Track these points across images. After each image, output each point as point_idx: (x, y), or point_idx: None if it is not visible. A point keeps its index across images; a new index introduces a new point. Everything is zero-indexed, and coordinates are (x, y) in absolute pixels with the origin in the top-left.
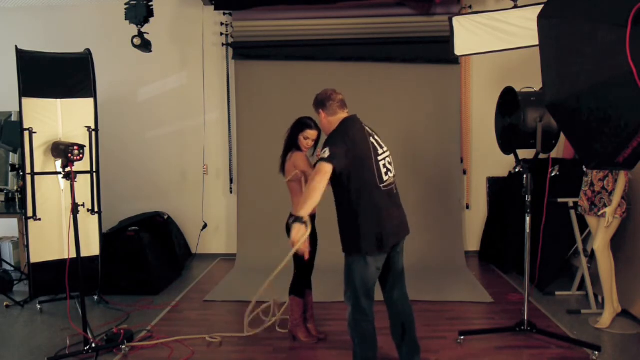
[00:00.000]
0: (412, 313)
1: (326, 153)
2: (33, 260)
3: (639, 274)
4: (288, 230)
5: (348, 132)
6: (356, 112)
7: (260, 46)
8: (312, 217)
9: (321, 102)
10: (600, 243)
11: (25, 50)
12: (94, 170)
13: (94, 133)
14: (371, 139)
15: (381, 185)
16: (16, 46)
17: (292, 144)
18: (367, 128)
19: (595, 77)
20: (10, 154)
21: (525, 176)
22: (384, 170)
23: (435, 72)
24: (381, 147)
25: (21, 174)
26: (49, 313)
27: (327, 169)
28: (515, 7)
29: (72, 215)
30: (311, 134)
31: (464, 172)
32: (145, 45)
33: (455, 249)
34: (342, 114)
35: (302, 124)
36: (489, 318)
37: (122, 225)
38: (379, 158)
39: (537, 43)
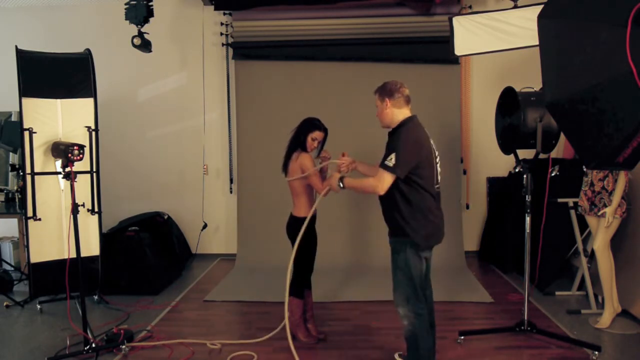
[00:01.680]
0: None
1: (392, 161)
2: (33, 260)
3: (639, 274)
4: (288, 230)
5: (414, 134)
6: (356, 112)
7: (260, 46)
8: (313, 218)
9: (390, 92)
10: (600, 243)
11: (25, 50)
12: (94, 170)
13: (94, 133)
14: (431, 140)
15: (436, 187)
16: (16, 46)
17: (297, 144)
18: (425, 130)
19: (595, 77)
20: (10, 154)
21: (525, 176)
22: (439, 172)
23: (435, 72)
24: (435, 150)
25: (21, 174)
26: (49, 313)
27: (389, 180)
28: (515, 7)
29: (72, 215)
30: (319, 135)
31: (464, 172)
32: (145, 45)
33: (455, 249)
34: (407, 110)
35: (311, 125)
36: (489, 318)
37: (122, 225)
38: (437, 160)
39: (537, 43)
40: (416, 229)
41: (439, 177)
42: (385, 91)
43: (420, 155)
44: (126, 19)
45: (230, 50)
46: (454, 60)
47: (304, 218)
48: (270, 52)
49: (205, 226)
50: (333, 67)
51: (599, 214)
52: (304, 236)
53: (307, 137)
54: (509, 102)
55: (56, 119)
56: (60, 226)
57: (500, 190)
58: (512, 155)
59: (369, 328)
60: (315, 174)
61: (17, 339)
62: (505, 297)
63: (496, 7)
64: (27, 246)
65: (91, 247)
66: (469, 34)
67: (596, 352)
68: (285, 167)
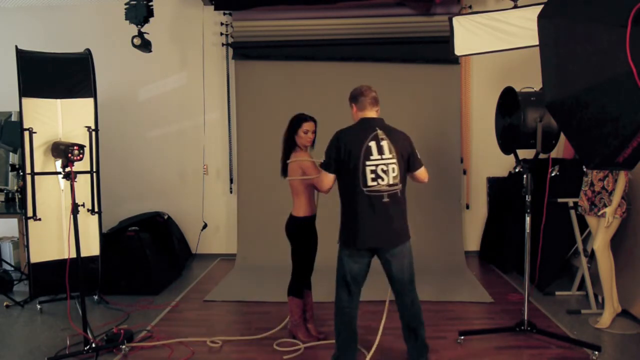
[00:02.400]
0: (417, 316)
1: (323, 158)
2: (33, 260)
3: (639, 274)
4: (288, 231)
5: (341, 135)
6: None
7: (260, 46)
8: (313, 217)
9: (354, 97)
10: (600, 243)
11: (25, 50)
12: (94, 170)
13: (94, 133)
14: (372, 142)
15: (364, 189)
16: (16, 46)
17: (292, 144)
18: (379, 131)
19: (595, 77)
20: (10, 154)
21: (525, 176)
22: (370, 176)
23: (435, 72)
24: (380, 153)
25: (21, 174)
26: (49, 313)
27: (326, 178)
28: (515, 7)
29: (72, 215)
30: (310, 125)
31: (464, 172)
32: (145, 45)
33: (455, 249)
34: (370, 112)
35: (298, 120)
36: (489, 318)
37: (122, 225)
38: (369, 163)
39: (537, 43)
40: (343, 230)
41: (382, 182)
42: (351, 97)
43: (338, 155)
44: (126, 19)
45: (230, 50)
46: (454, 60)
47: (303, 218)
48: (270, 52)
49: (205, 226)
50: (333, 67)
51: (599, 214)
52: (304, 236)
53: (298, 133)
54: (509, 102)
55: (56, 119)
56: (60, 226)
57: (500, 190)
58: (512, 155)
59: (368, 328)
60: (318, 177)
61: (17, 339)
62: (505, 297)
63: (496, 7)
64: (27, 246)
65: (91, 247)
66: (469, 34)
67: (596, 352)
68: (284, 169)
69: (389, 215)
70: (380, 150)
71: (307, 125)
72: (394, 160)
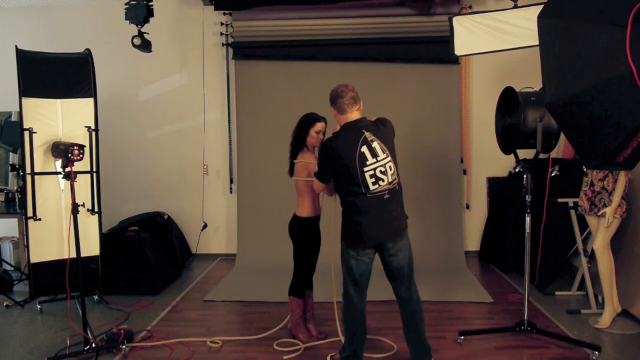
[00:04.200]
0: (417, 313)
1: (316, 168)
2: (33, 260)
3: (639, 274)
4: (290, 230)
5: (333, 146)
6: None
7: (260, 46)
8: (316, 218)
9: (332, 100)
10: (600, 243)
11: (25, 50)
12: (94, 170)
13: (94, 133)
14: (364, 147)
15: (367, 194)
16: (16, 46)
17: (302, 144)
18: (366, 134)
19: (595, 77)
20: (10, 154)
21: (525, 176)
22: (371, 181)
23: (435, 72)
24: (374, 156)
25: (21, 174)
26: (49, 313)
27: (319, 184)
28: (515, 7)
29: (72, 215)
30: (322, 126)
31: (464, 172)
32: (145, 45)
33: (455, 249)
34: (351, 114)
35: (311, 119)
36: (489, 318)
37: (122, 225)
38: (366, 169)
39: (537, 43)
40: (347, 231)
41: (383, 183)
42: (330, 100)
43: (333, 167)
44: (126, 19)
45: (230, 50)
46: (454, 60)
47: (307, 218)
48: (270, 52)
49: (205, 226)
50: (333, 67)
51: (599, 214)
52: (306, 237)
53: (310, 133)
54: (509, 102)
55: (56, 118)
56: (60, 226)
57: (500, 190)
58: (512, 155)
59: (368, 328)
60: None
61: (17, 339)
62: (505, 297)
63: (496, 7)
64: (27, 246)
65: (91, 247)
66: (469, 34)
67: (596, 352)
68: (291, 169)
69: (390, 210)
70: (374, 153)
71: (319, 126)
72: (389, 159)
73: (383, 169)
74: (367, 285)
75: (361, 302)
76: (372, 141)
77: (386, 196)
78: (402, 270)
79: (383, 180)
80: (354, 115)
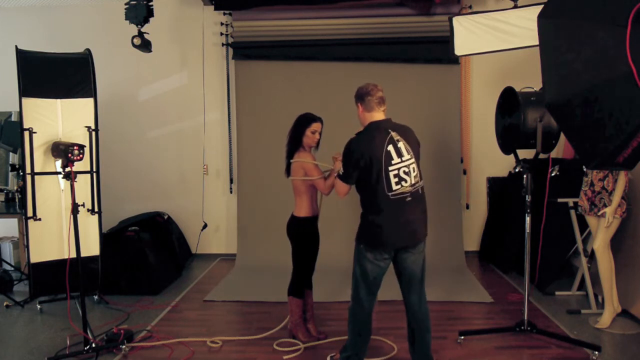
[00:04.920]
0: (425, 320)
1: (341, 170)
2: (33, 260)
3: (639, 274)
4: (288, 231)
5: (356, 146)
6: (356, 112)
7: (260, 46)
8: (315, 218)
9: (360, 97)
10: (600, 243)
11: (25, 50)
12: (94, 170)
13: (94, 133)
14: (390, 146)
15: (389, 194)
16: (16, 46)
17: (298, 144)
18: (392, 133)
19: (595, 77)
20: (10, 154)
21: (525, 176)
22: (394, 180)
23: (435, 72)
24: (399, 156)
25: (21, 174)
26: (49, 313)
27: (342, 186)
28: (515, 7)
29: (72, 215)
30: (318, 126)
31: (464, 172)
32: (145, 45)
33: (455, 249)
34: (377, 113)
35: (307, 120)
36: (489, 318)
37: (122, 225)
38: (391, 168)
39: (537, 43)
40: (366, 233)
41: (406, 183)
42: (357, 96)
43: (358, 165)
44: (126, 19)
45: (230, 50)
46: (454, 60)
47: (305, 218)
48: (270, 52)
49: (205, 226)
50: (333, 67)
51: (599, 214)
52: (304, 237)
53: (306, 133)
54: (509, 102)
55: (56, 118)
56: (60, 226)
57: (500, 190)
58: (512, 155)
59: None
60: (320, 179)
61: (17, 339)
62: (505, 297)
63: (496, 7)
64: (27, 246)
65: (91, 247)
66: (469, 34)
67: (596, 352)
68: (288, 169)
69: (412, 214)
70: (399, 153)
71: (315, 126)
72: (412, 160)
73: (407, 170)
74: (379, 288)
75: (370, 304)
76: (398, 141)
77: (408, 199)
78: (415, 273)
79: (406, 181)
80: (379, 115)
